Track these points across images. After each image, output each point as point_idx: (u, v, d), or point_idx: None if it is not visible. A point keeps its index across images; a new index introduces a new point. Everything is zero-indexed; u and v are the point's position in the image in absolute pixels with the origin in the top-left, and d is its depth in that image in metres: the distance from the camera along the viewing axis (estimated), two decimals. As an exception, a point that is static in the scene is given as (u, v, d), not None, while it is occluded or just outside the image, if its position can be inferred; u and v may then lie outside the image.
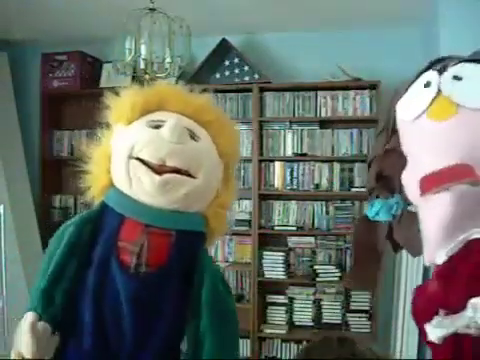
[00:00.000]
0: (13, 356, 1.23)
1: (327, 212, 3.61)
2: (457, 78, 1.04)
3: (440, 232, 1.00)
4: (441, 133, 1.00)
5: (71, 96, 4.05)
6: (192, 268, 1.26)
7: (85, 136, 3.98)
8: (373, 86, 3.48)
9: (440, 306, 0.98)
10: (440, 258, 1.02)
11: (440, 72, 1.07)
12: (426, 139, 1.03)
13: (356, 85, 3.53)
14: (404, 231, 1.17)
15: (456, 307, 0.95)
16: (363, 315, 3.49)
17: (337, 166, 3.58)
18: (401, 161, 1.12)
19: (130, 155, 1.24)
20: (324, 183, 3.59)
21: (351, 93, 3.55)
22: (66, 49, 3.91)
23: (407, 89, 1.14)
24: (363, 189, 3.51)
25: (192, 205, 1.27)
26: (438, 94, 1.03)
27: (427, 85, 1.07)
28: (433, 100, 1.03)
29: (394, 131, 1.16)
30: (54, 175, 4.09)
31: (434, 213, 1.00)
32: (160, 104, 1.32)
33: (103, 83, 3.93)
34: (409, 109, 1.08)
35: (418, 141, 1.05)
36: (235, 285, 3.67)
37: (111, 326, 1.22)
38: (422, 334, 1.07)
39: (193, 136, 1.28)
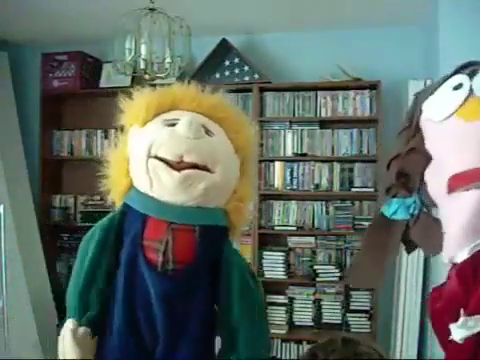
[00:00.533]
0: None
1: (327, 212, 3.61)
2: None
3: (464, 230, 1.01)
4: (473, 133, 1.01)
5: (71, 96, 4.05)
6: (218, 262, 1.28)
7: (85, 136, 3.99)
8: (373, 86, 3.47)
9: (461, 306, 0.99)
10: (461, 256, 1.03)
11: (470, 76, 1.08)
12: (456, 138, 1.04)
13: (356, 85, 3.53)
14: (421, 231, 1.17)
15: (478, 306, 0.96)
16: (363, 315, 3.49)
17: (337, 166, 3.58)
18: (422, 161, 1.14)
19: (149, 155, 1.26)
20: (324, 183, 3.59)
21: (351, 93, 3.55)
22: (66, 49, 3.91)
23: (433, 91, 1.15)
24: (363, 189, 3.52)
25: (212, 200, 1.28)
26: (469, 95, 1.05)
27: (458, 87, 1.08)
28: (464, 101, 1.04)
29: (417, 131, 1.17)
30: (54, 175, 4.09)
31: (459, 211, 1.01)
32: (173, 104, 1.34)
33: (103, 83, 3.93)
34: (438, 109, 1.09)
35: (447, 140, 1.06)
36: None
37: (143, 324, 1.24)
38: (439, 334, 1.08)
39: (208, 132, 1.30)
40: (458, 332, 0.98)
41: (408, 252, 1.28)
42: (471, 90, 1.06)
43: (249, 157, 1.42)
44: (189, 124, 1.26)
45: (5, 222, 3.04)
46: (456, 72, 1.13)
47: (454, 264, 1.07)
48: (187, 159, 1.24)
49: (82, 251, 1.36)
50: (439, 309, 1.08)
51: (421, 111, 1.16)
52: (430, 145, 1.13)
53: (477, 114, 1.02)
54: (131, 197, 1.32)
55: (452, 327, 0.99)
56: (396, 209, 1.20)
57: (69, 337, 1.22)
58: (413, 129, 1.18)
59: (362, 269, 1.30)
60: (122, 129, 1.41)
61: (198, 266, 1.26)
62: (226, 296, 1.26)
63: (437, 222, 1.15)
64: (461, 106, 1.04)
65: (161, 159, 1.25)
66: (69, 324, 1.26)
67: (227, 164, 1.31)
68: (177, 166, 1.23)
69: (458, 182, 1.01)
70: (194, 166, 1.24)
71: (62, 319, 3.78)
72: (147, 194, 1.28)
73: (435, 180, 1.09)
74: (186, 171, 1.23)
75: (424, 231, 1.16)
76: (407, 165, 1.19)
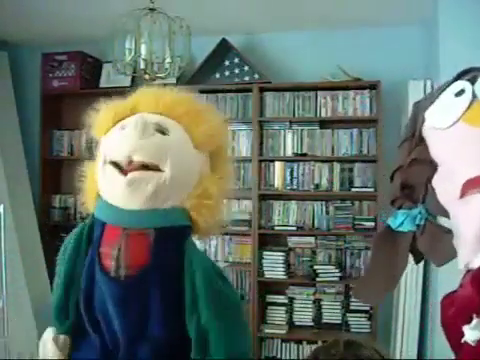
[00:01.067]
0: None
1: (327, 212, 3.61)
2: None
3: (478, 233, 1.00)
4: None
5: (71, 96, 4.05)
6: (180, 265, 1.25)
7: (85, 136, 3.99)
8: (373, 86, 3.47)
9: (475, 312, 0.99)
10: (478, 261, 1.02)
11: (471, 81, 1.08)
12: (464, 144, 1.04)
13: (356, 85, 3.53)
14: (428, 241, 1.16)
15: None
16: (363, 315, 3.49)
17: (337, 166, 3.58)
18: (427, 170, 1.13)
19: (105, 161, 1.28)
20: (324, 183, 3.59)
21: (351, 93, 3.55)
22: (66, 49, 3.91)
23: (433, 100, 1.15)
24: (363, 189, 3.52)
25: (165, 200, 1.25)
26: (473, 100, 1.05)
27: (460, 93, 1.08)
28: (469, 106, 1.04)
29: (420, 140, 1.16)
30: (54, 175, 4.09)
31: (473, 214, 1.00)
32: (132, 109, 1.34)
33: (103, 83, 3.93)
34: (443, 116, 1.09)
35: (454, 147, 1.06)
36: (235, 285, 3.66)
37: (105, 329, 1.26)
38: (452, 342, 1.07)
39: (162, 130, 1.28)
40: (472, 334, 0.98)
41: (417, 262, 1.27)
42: (474, 95, 1.06)
43: (217, 152, 1.37)
44: (135, 124, 1.25)
45: (5, 222, 3.04)
46: (456, 79, 1.13)
47: (468, 270, 1.06)
48: (135, 159, 1.23)
49: (60, 261, 1.39)
50: (452, 316, 1.07)
51: (424, 120, 1.15)
52: (436, 153, 1.12)
53: None
54: (96, 206, 1.33)
55: (465, 329, 0.99)
56: (402, 221, 1.19)
57: (51, 344, 1.26)
58: (416, 139, 1.17)
59: (371, 284, 1.29)
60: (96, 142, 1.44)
61: (152, 270, 1.23)
62: (191, 299, 1.23)
63: (444, 231, 1.14)
64: (466, 112, 1.04)
65: (114, 163, 1.25)
66: (48, 333, 1.29)
67: (179, 160, 1.27)
68: (127, 168, 1.23)
69: (472, 186, 1.00)
70: (144, 166, 1.23)
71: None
72: (106, 201, 1.28)
73: (445, 187, 1.08)
74: (132, 173, 1.22)
75: (431, 241, 1.16)
76: (411, 176, 1.18)
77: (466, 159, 1.02)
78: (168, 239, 1.26)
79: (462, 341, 0.99)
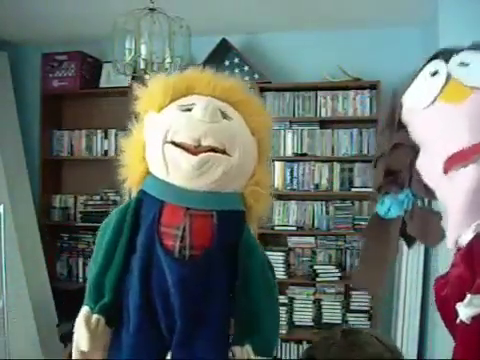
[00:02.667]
0: (74, 351, 1.26)
1: (327, 212, 3.61)
2: (464, 64, 1.09)
3: (465, 207, 1.01)
4: (460, 114, 1.02)
5: (71, 96, 4.06)
6: (235, 247, 1.27)
7: (85, 136, 3.99)
8: (373, 86, 3.48)
9: (468, 290, 0.99)
10: (466, 238, 1.02)
11: (445, 61, 1.11)
12: (443, 122, 1.05)
13: (356, 85, 3.53)
14: (417, 224, 1.17)
15: None
16: (363, 315, 3.49)
17: (337, 166, 3.58)
18: (409, 154, 1.14)
19: (165, 140, 1.25)
20: (324, 183, 3.59)
21: (351, 93, 3.56)
22: (66, 49, 3.91)
23: (410, 84, 1.17)
24: (363, 189, 3.52)
25: (229, 184, 1.27)
26: (448, 79, 1.07)
27: (434, 73, 1.10)
28: (445, 85, 1.06)
29: (400, 126, 1.17)
30: (54, 175, 4.09)
31: (458, 189, 1.01)
32: (189, 89, 1.33)
33: (103, 83, 3.93)
34: (419, 97, 1.10)
35: (434, 125, 1.07)
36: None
37: (160, 311, 1.23)
38: (447, 322, 1.08)
39: (225, 116, 1.29)
40: (464, 311, 0.98)
41: (409, 246, 1.27)
42: (448, 73, 1.08)
43: (265, 140, 1.40)
44: (205, 108, 1.24)
45: (5, 222, 3.04)
46: (430, 60, 1.16)
47: (458, 249, 1.07)
48: (204, 143, 1.22)
49: (99, 238, 1.37)
50: (445, 296, 1.08)
51: (401, 105, 1.17)
52: (417, 134, 1.13)
53: (459, 95, 1.04)
54: (147, 184, 1.31)
55: (458, 307, 0.99)
56: (389, 207, 1.20)
57: (82, 325, 1.22)
58: (396, 125, 1.18)
59: (365, 271, 1.30)
60: (137, 116, 1.40)
61: (216, 251, 1.24)
62: (245, 281, 1.25)
63: (432, 212, 1.16)
64: (442, 90, 1.06)
65: (177, 144, 1.24)
66: (82, 312, 1.26)
67: (245, 147, 1.29)
68: (194, 150, 1.22)
69: (454, 160, 1.01)
70: (211, 150, 1.23)
71: (62, 319, 3.79)
72: (164, 180, 1.27)
73: (429, 166, 1.09)
74: (203, 154, 1.21)
75: (421, 223, 1.16)
76: (394, 161, 1.19)
77: (446, 136, 1.04)
78: (229, 222, 1.27)
79: (457, 321, 1.00)
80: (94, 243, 4.41)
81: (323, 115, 3.60)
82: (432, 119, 1.08)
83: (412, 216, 1.17)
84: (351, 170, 3.57)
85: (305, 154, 3.59)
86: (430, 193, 1.13)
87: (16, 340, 3.16)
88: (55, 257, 4.04)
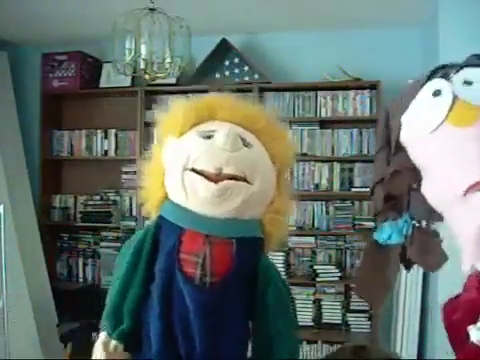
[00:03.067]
0: None
1: (327, 212, 3.61)
2: (467, 83, 1.03)
3: None
4: (472, 138, 0.97)
5: (71, 96, 4.06)
6: (253, 274, 1.28)
7: (85, 136, 3.99)
8: (373, 86, 3.48)
9: None
10: None
11: (446, 78, 1.05)
12: (454, 146, 1.00)
13: (356, 85, 3.53)
14: (418, 249, 1.15)
15: None
16: (363, 315, 3.49)
17: (337, 166, 3.58)
18: (409, 178, 1.11)
19: (185, 167, 1.25)
20: (324, 183, 3.59)
21: (351, 93, 3.56)
22: (66, 49, 3.91)
23: (407, 103, 1.10)
24: (363, 189, 3.52)
25: (248, 212, 1.27)
26: (454, 100, 1.01)
27: (437, 94, 1.04)
28: (451, 106, 1.00)
29: (397, 148, 1.13)
30: (54, 175, 4.09)
31: (475, 212, 0.97)
32: (210, 115, 1.33)
33: (103, 83, 3.93)
34: (425, 121, 1.04)
35: (443, 150, 1.02)
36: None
37: (181, 337, 1.23)
38: (456, 346, 1.06)
39: (246, 143, 1.29)
40: (477, 334, 0.97)
41: (407, 270, 1.26)
42: (454, 94, 1.02)
43: (286, 168, 1.41)
44: (227, 136, 1.24)
45: (5, 222, 3.04)
46: (429, 78, 1.10)
47: (471, 274, 1.04)
48: (226, 171, 1.23)
49: (118, 260, 1.37)
50: (457, 320, 1.06)
51: (400, 126, 1.11)
52: (421, 158, 1.08)
53: (469, 117, 0.99)
54: (166, 209, 1.31)
55: (471, 329, 0.98)
56: (390, 234, 1.18)
57: (100, 350, 1.23)
58: (393, 147, 1.13)
59: (363, 287, 1.28)
60: (158, 140, 1.40)
61: (235, 278, 1.25)
62: (263, 307, 1.26)
63: (432, 234, 1.13)
64: (449, 112, 1.00)
65: (198, 172, 1.24)
66: (101, 337, 1.27)
67: (265, 175, 1.30)
68: (214, 178, 1.22)
69: (476, 187, 0.96)
70: (232, 178, 1.23)
71: (62, 319, 3.79)
72: (182, 206, 1.27)
73: (437, 191, 1.05)
74: (224, 182, 1.22)
75: (421, 249, 1.14)
76: (394, 187, 1.15)
77: (457, 161, 0.99)
78: (248, 249, 1.27)
79: (469, 342, 0.98)
80: (94, 243, 4.41)
81: (323, 115, 3.60)
82: (442, 143, 1.02)
83: (412, 241, 1.15)
84: (351, 170, 3.57)
85: (305, 154, 3.59)
86: (433, 216, 1.10)
87: (16, 340, 3.16)
88: (55, 257, 4.04)
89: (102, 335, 1.27)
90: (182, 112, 1.32)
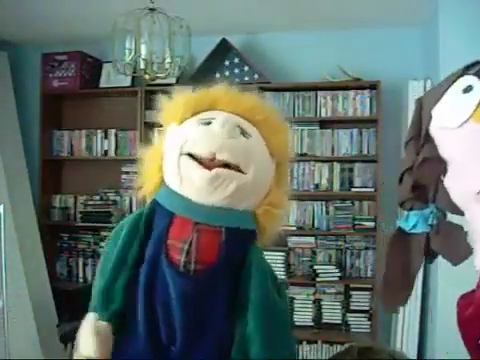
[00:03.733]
0: (76, 356, 1.24)
1: (327, 212, 3.61)
2: None
3: None
4: None
5: (71, 96, 4.06)
6: (241, 267, 1.26)
7: (85, 136, 3.99)
8: (373, 86, 3.47)
9: None
10: None
11: (478, 76, 1.05)
12: (475, 144, 1.01)
13: (356, 85, 3.53)
14: (443, 240, 1.14)
15: None
16: (363, 315, 3.49)
17: (337, 166, 3.58)
18: (437, 168, 1.11)
19: (181, 151, 1.25)
20: (324, 183, 3.59)
21: (351, 93, 3.55)
22: (66, 49, 3.91)
23: (439, 96, 1.11)
24: (363, 189, 3.52)
25: (241, 202, 1.26)
26: None
27: (468, 90, 1.04)
28: (479, 104, 1.01)
29: (427, 138, 1.13)
30: (54, 175, 4.09)
31: None
32: (211, 104, 1.34)
33: (103, 83, 3.93)
34: (451, 115, 1.05)
35: (466, 147, 1.03)
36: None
37: (162, 323, 1.23)
38: (468, 342, 1.06)
39: (244, 133, 1.29)
40: None
41: (430, 262, 1.25)
42: None
43: (284, 162, 1.40)
44: (223, 123, 1.25)
45: (5, 222, 3.04)
46: (463, 73, 1.09)
47: None
48: (219, 157, 1.22)
49: (109, 244, 1.36)
50: (469, 316, 1.05)
51: (430, 118, 1.12)
52: (447, 152, 1.09)
53: None
54: (161, 194, 1.31)
55: None
56: (415, 222, 1.17)
57: (90, 332, 1.21)
58: (422, 137, 1.14)
59: (387, 293, 1.26)
60: (159, 127, 1.42)
61: (220, 268, 1.23)
62: (242, 303, 1.23)
63: (458, 228, 1.13)
64: (476, 109, 1.01)
65: (193, 156, 1.24)
66: (90, 318, 1.24)
67: (260, 166, 1.28)
68: (209, 164, 1.22)
69: None
70: (226, 165, 1.23)
71: (62, 319, 3.78)
72: (176, 192, 1.27)
73: (459, 187, 1.06)
74: (217, 169, 1.21)
75: (446, 240, 1.14)
76: (422, 176, 1.15)
77: (477, 158, 1.00)
78: (237, 240, 1.26)
79: (479, 343, 0.98)
80: (94, 243, 4.40)
81: (323, 115, 3.60)
82: (464, 140, 1.03)
83: (438, 232, 1.15)
84: (351, 170, 3.57)
85: (305, 154, 3.59)
86: (458, 209, 1.10)
87: (16, 340, 3.16)
88: (55, 257, 4.04)
89: (91, 316, 1.24)
90: (184, 100, 1.34)
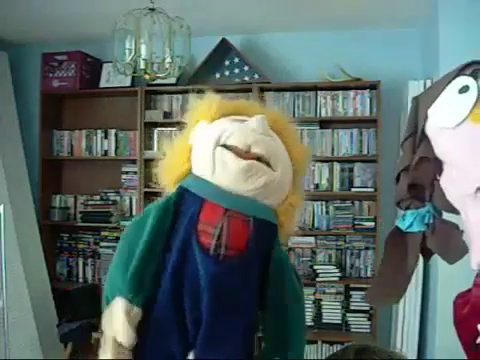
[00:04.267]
0: (107, 342, 1.24)
1: (327, 212, 3.61)
2: None
3: None
4: None
5: (71, 96, 4.06)
6: (267, 259, 1.30)
7: (85, 136, 3.99)
8: (373, 86, 3.48)
9: None
10: None
11: (474, 77, 1.06)
12: (473, 144, 1.02)
13: (356, 85, 3.53)
14: (439, 239, 1.16)
15: None
16: (363, 315, 3.49)
17: (337, 166, 3.58)
18: (433, 169, 1.13)
19: (217, 143, 1.30)
20: (324, 183, 3.59)
21: (351, 93, 3.56)
22: (66, 49, 3.91)
23: (435, 96, 1.12)
24: (363, 189, 3.52)
25: (268, 196, 1.32)
26: (479, 98, 1.03)
27: (464, 90, 1.05)
28: (475, 104, 1.03)
29: (423, 137, 1.15)
30: (54, 175, 4.10)
31: None
32: (241, 110, 1.43)
33: (103, 83, 3.93)
34: (448, 115, 1.07)
35: (463, 147, 1.04)
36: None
37: (189, 308, 1.24)
38: (464, 341, 1.06)
39: (271, 136, 1.37)
40: None
41: (426, 261, 1.26)
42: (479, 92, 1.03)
43: (302, 171, 1.49)
44: (259, 120, 1.33)
45: (5, 222, 3.04)
46: (458, 73, 1.10)
47: None
48: (254, 149, 1.29)
49: (134, 230, 1.35)
50: (466, 314, 1.06)
51: (426, 117, 1.13)
52: (443, 152, 1.10)
53: None
54: (189, 182, 1.34)
55: None
56: (412, 222, 1.19)
57: (123, 317, 1.21)
58: (419, 136, 1.15)
59: (384, 287, 1.27)
60: (184, 124, 1.46)
61: (249, 256, 1.28)
62: (277, 291, 1.29)
63: (454, 227, 1.14)
64: (473, 110, 1.02)
65: (229, 148, 1.29)
66: (121, 304, 1.23)
67: (286, 167, 1.36)
68: (244, 155, 1.28)
69: None
70: (259, 159, 1.29)
71: (62, 319, 3.78)
72: (207, 180, 1.31)
73: (455, 186, 1.07)
74: (252, 160, 1.28)
75: (442, 239, 1.15)
76: (418, 176, 1.17)
77: (476, 158, 1.00)
78: (263, 231, 1.30)
79: (477, 341, 0.98)
80: (94, 243, 4.39)
81: (323, 115, 3.60)
82: (460, 140, 1.04)
83: (433, 231, 1.16)
84: (351, 170, 3.57)
85: (305, 154, 3.58)
86: (452, 208, 1.12)
87: (16, 340, 3.17)
88: (55, 257, 4.04)
89: (121, 302, 1.23)
90: (217, 102, 1.41)
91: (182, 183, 1.35)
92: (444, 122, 1.07)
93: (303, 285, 1.42)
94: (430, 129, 1.12)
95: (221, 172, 1.29)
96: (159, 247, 1.29)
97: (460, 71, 1.10)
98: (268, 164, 1.31)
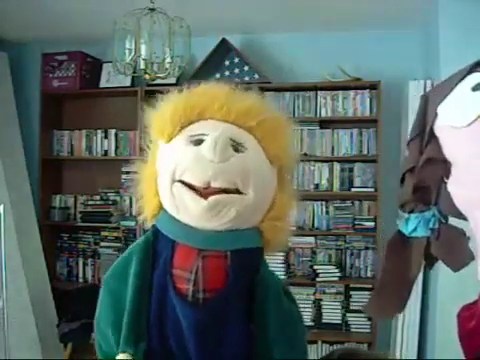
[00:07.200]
0: None
1: (327, 212, 3.61)
2: None
3: None
4: None
5: (71, 96, 4.06)
6: (253, 284, 1.21)
7: (85, 136, 3.99)
8: (373, 86, 3.48)
9: None
10: None
11: None
12: None
13: (356, 85, 3.53)
14: (443, 245, 1.09)
15: None
16: (363, 315, 3.48)
17: (337, 166, 3.58)
18: (440, 170, 1.05)
19: (173, 178, 1.18)
20: (324, 183, 3.59)
21: (351, 93, 3.56)
22: (66, 49, 3.91)
23: (446, 93, 1.05)
24: (363, 189, 3.52)
25: (244, 222, 1.20)
26: None
27: (477, 87, 0.99)
28: None
29: (431, 136, 1.07)
30: (54, 175, 4.09)
31: None
32: (200, 114, 1.24)
33: (103, 83, 3.93)
34: (459, 114, 1.00)
35: (474, 148, 0.97)
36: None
37: (177, 354, 1.19)
38: (469, 355, 1.02)
39: (238, 148, 1.19)
40: None
41: (430, 268, 1.18)
42: None
43: (286, 165, 1.30)
44: (214, 146, 1.13)
45: (5, 222, 3.04)
46: (472, 70, 1.03)
47: None
48: (215, 185, 1.14)
49: (117, 279, 1.28)
50: (473, 329, 1.01)
51: (436, 116, 1.06)
52: (452, 153, 1.03)
53: None
54: (160, 220, 1.24)
55: None
56: (416, 226, 1.11)
57: None
58: (427, 136, 1.08)
59: (385, 298, 1.19)
60: (150, 141, 1.33)
61: (230, 293, 1.18)
62: (260, 318, 1.19)
63: (459, 233, 1.07)
64: None
65: (186, 184, 1.16)
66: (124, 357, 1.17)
67: (260, 182, 1.20)
68: (204, 192, 1.14)
69: None
70: (223, 191, 1.15)
71: (62, 319, 3.77)
72: (176, 219, 1.20)
73: (463, 190, 1.00)
74: (214, 197, 1.13)
75: (447, 245, 1.08)
76: (425, 177, 1.09)
77: None
78: (244, 261, 1.20)
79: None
80: (94, 243, 4.37)
81: (323, 115, 3.60)
82: (472, 140, 0.97)
83: (438, 236, 1.09)
84: (351, 170, 3.57)
85: (305, 154, 3.59)
86: (459, 213, 1.05)
87: (16, 340, 3.16)
88: (55, 257, 4.04)
89: (123, 357, 1.17)
90: (170, 115, 1.24)
91: (156, 221, 1.25)
92: (455, 121, 1.00)
93: (295, 303, 1.32)
94: (439, 128, 1.05)
95: (184, 212, 1.18)
96: (145, 293, 1.20)
97: (474, 67, 1.03)
98: (236, 190, 1.16)
